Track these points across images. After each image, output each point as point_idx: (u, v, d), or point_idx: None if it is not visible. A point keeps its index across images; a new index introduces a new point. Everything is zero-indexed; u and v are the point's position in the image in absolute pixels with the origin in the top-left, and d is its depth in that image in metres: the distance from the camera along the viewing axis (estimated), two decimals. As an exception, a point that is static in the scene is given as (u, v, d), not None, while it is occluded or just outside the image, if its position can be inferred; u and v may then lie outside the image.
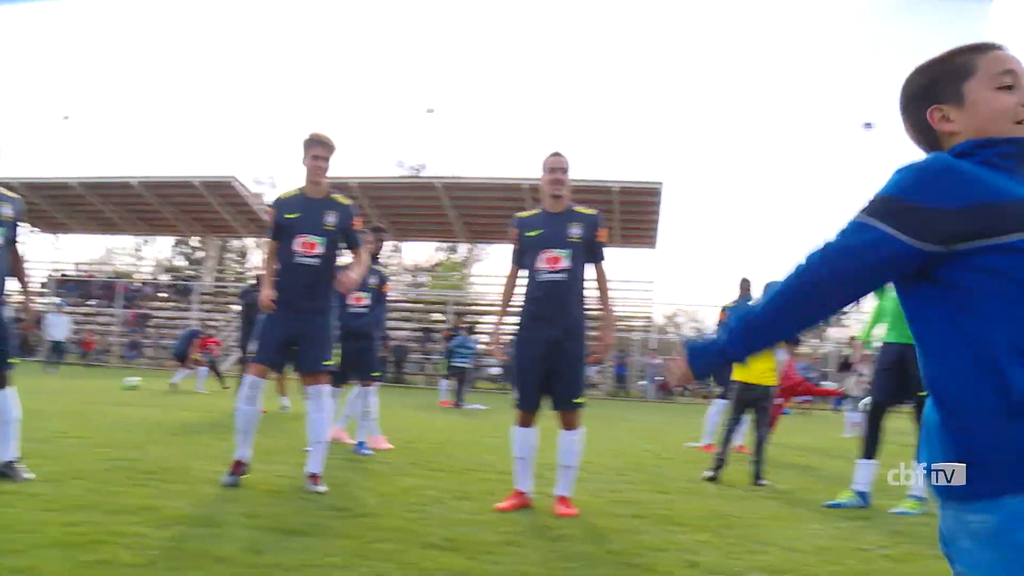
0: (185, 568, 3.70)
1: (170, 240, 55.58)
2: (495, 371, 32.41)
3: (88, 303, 41.90)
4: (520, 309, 5.92)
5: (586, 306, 5.83)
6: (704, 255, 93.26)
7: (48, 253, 46.60)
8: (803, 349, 19.08)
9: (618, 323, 35.43)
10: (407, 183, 38.57)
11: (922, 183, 1.65)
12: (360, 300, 8.52)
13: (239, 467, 6.04)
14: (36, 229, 45.48)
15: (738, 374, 8.23)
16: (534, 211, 6.04)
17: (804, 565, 4.45)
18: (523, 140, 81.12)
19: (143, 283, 45.10)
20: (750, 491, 7.28)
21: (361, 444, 8.41)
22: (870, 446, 6.64)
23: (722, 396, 11.10)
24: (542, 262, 5.76)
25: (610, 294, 5.97)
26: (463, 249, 50.29)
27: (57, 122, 63.29)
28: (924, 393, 5.14)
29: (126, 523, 4.46)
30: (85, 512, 4.67)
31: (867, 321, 7.35)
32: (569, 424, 5.75)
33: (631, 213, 33.91)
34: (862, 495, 6.57)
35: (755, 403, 8.06)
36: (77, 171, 44.59)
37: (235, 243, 57.40)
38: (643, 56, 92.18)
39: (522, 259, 5.93)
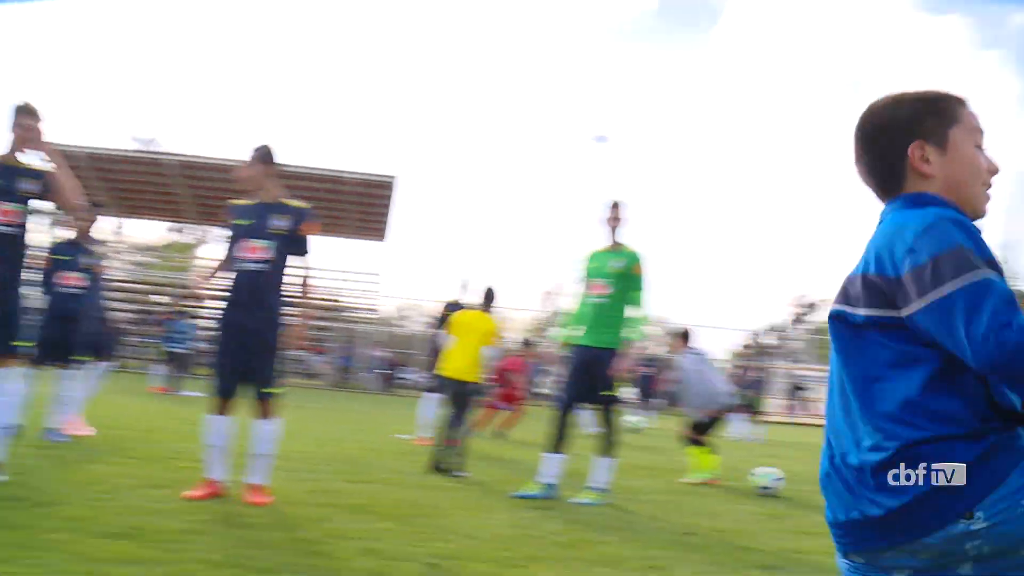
0: None
1: None
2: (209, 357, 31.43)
3: None
4: (224, 296, 5.98)
5: (284, 297, 5.94)
6: (432, 250, 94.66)
7: None
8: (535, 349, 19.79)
9: (340, 312, 35.46)
10: (138, 158, 36.60)
11: (970, 235, 1.69)
12: (69, 280, 8.16)
13: None
14: None
15: (443, 369, 8.61)
16: (252, 200, 6.07)
17: (479, 551, 4.76)
18: (265, 123, 79.24)
19: None
20: (450, 482, 7.61)
21: (53, 430, 8.04)
22: (557, 441, 7.12)
23: (431, 390, 11.48)
24: (244, 251, 5.84)
25: (312, 287, 6.12)
26: (196, 231, 48.50)
27: None
28: (608, 392, 5.68)
29: None
30: None
31: (562, 323, 7.85)
32: (264, 413, 5.83)
33: (363, 205, 33.93)
34: (549, 487, 7.04)
35: (458, 398, 8.44)
36: None
37: None
38: (386, 50, 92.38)
39: (232, 246, 6.02)
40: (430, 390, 11.59)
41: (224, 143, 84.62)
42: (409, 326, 49.56)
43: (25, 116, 5.81)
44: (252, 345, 5.75)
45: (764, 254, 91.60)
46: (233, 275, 5.91)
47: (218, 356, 5.93)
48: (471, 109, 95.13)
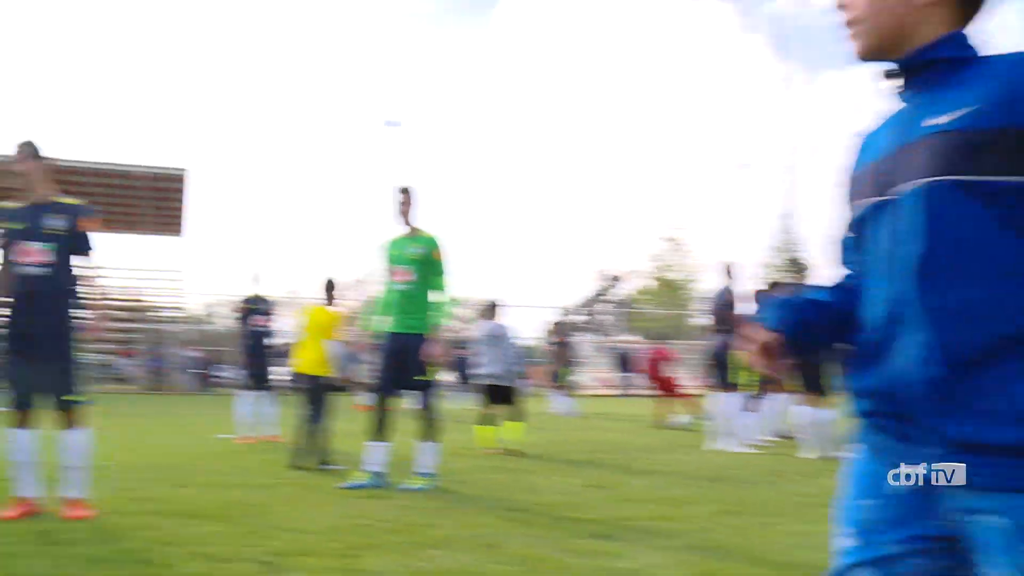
0: None
1: None
2: None
3: None
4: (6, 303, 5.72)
5: (74, 299, 5.72)
6: (237, 244, 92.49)
7: None
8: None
9: (145, 312, 34.11)
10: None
11: None
12: None
13: None
14: None
15: (295, 366, 8.67)
16: (22, 202, 5.80)
17: (312, 545, 4.83)
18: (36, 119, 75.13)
19: None
20: (272, 479, 7.57)
21: None
22: (379, 429, 7.20)
23: (245, 388, 11.41)
24: (21, 255, 5.60)
25: (99, 284, 5.94)
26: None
27: None
28: (423, 377, 5.84)
29: None
30: None
31: (368, 310, 7.93)
32: (69, 423, 5.61)
33: (156, 200, 32.70)
34: (377, 475, 7.13)
35: (312, 393, 8.52)
36: None
37: None
38: (170, 38, 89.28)
39: (6, 252, 5.76)
40: (245, 387, 11.50)
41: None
42: (218, 322, 48.18)
43: None
44: (43, 353, 5.51)
45: (561, 231, 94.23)
46: (13, 282, 5.63)
47: (9, 367, 5.64)
48: (260, 97, 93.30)
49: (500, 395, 10.60)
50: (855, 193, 1.77)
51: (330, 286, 9.03)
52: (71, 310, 5.68)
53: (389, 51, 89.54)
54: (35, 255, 5.55)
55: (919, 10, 1.65)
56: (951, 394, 1.49)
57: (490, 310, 11.02)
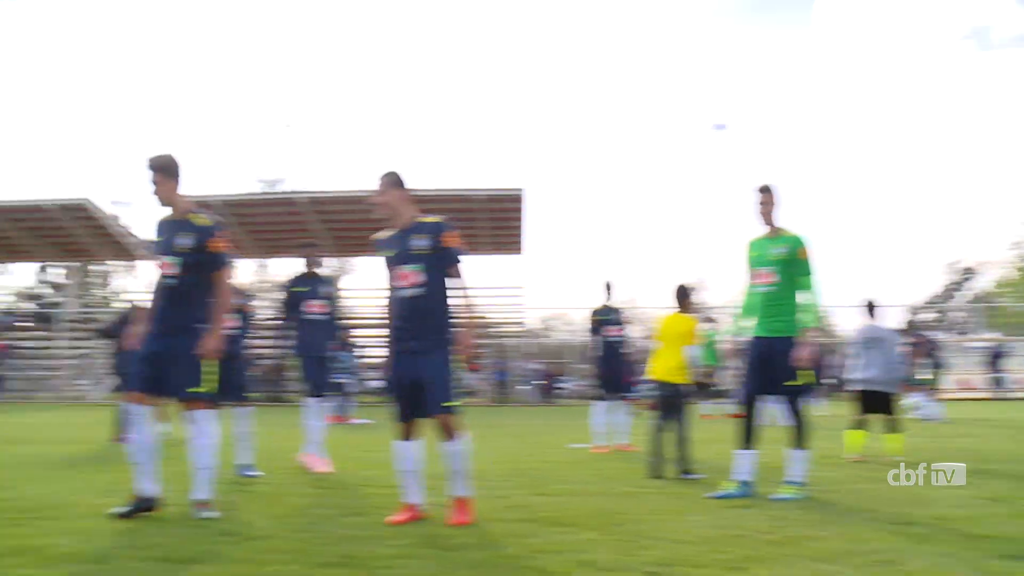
0: (77, 606, 3.61)
1: (33, 267, 53.39)
2: (376, 384, 32.12)
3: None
4: (388, 325, 6.04)
5: (449, 314, 5.90)
6: (570, 258, 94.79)
7: None
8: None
9: (488, 328, 35.64)
10: (271, 199, 37.95)
11: None
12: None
13: (138, 500, 5.88)
14: None
15: (651, 373, 8.56)
16: (392, 229, 6.09)
17: (693, 556, 4.59)
18: (382, 150, 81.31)
19: (3, 313, 43.10)
20: (634, 488, 7.45)
21: (244, 466, 8.28)
22: (747, 436, 6.89)
23: (601, 398, 11.42)
24: (397, 279, 5.90)
25: (471, 297, 6.05)
26: (332, 263, 49.83)
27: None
28: (792, 383, 5.44)
29: (9, 567, 4.32)
30: (-39, 558, 4.50)
31: (735, 315, 7.62)
32: (447, 432, 5.74)
33: (496, 220, 34.16)
34: (745, 484, 6.82)
35: (668, 401, 8.38)
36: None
37: (96, 267, 55.59)
38: (501, 65, 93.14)
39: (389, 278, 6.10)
40: (598, 397, 11.54)
41: (348, 175, 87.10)
42: (556, 336, 49.55)
43: (149, 171, 6.02)
44: (424, 367, 5.73)
45: (903, 224, 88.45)
46: (395, 305, 5.95)
47: (392, 382, 5.95)
48: (586, 113, 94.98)
49: (877, 402, 9.88)
50: None
51: (683, 292, 8.81)
52: (448, 327, 5.87)
53: (707, 53, 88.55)
54: (410, 277, 5.81)
55: None
56: None
57: (868, 310, 10.29)
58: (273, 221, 35.77)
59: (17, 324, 41.74)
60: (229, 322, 8.35)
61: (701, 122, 70.15)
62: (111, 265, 53.37)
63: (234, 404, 8.48)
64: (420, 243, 5.84)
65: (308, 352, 9.01)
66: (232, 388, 8.39)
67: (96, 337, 13.01)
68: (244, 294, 8.84)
